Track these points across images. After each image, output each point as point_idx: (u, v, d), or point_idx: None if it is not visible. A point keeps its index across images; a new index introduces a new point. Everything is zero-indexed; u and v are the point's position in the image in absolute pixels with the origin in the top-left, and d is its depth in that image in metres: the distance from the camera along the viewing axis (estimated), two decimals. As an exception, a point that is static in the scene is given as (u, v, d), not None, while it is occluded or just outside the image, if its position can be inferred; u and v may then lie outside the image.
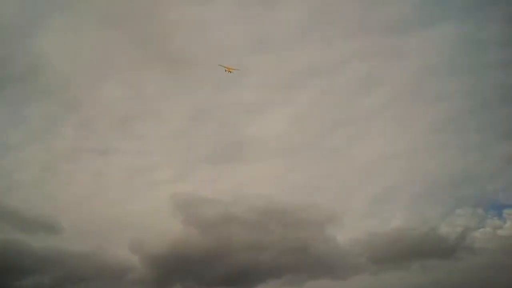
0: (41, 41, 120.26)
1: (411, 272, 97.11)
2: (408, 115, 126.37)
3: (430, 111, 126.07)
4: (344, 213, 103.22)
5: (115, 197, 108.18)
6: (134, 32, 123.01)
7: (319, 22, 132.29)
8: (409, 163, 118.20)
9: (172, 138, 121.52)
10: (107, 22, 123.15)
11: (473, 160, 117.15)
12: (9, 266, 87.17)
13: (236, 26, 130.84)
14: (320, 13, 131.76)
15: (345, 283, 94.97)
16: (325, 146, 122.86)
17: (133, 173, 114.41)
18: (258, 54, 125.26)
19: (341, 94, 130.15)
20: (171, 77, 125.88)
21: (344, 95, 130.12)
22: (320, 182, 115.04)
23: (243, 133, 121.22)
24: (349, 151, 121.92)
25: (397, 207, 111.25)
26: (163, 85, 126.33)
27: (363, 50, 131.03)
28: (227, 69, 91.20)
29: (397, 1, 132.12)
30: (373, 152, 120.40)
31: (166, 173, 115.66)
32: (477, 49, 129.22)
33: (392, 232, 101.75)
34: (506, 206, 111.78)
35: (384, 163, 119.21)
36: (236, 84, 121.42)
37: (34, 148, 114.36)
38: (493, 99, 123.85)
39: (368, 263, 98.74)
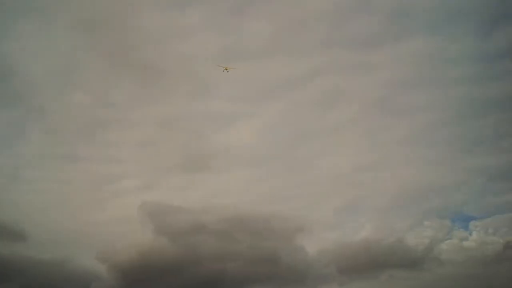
0: (9, 46, 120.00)
1: (379, 282, 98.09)
2: (376, 128, 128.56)
3: (397, 125, 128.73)
4: (313, 223, 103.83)
5: (82, 205, 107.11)
6: (104, 39, 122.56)
7: (289, 35, 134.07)
8: (376, 175, 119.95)
9: (141, 146, 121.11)
10: (77, 29, 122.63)
11: (440, 172, 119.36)
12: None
13: (207, 37, 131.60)
14: (290, 26, 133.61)
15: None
16: (295, 157, 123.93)
17: (101, 181, 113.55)
18: (228, 64, 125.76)
19: (310, 106, 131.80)
20: (140, 85, 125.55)
21: (313, 107, 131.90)
22: (289, 193, 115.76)
23: (213, 143, 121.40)
24: (318, 162, 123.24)
25: (365, 218, 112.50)
26: (133, 93, 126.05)
27: (332, 64, 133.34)
28: (225, 69, 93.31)
29: (366, 16, 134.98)
30: (342, 163, 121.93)
31: (135, 181, 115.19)
32: (444, 65, 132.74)
33: (360, 242, 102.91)
34: (472, 218, 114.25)
35: (352, 174, 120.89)
36: (207, 94, 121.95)
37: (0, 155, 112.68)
38: (459, 113, 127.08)
39: (336, 273, 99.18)
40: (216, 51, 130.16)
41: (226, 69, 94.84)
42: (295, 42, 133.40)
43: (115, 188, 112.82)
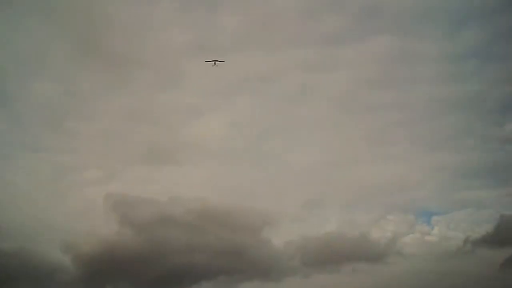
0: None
1: (342, 275, 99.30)
2: (343, 124, 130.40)
3: (363, 122, 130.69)
4: (279, 216, 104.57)
5: (46, 195, 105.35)
6: (71, 28, 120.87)
7: (261, 30, 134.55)
8: (342, 170, 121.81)
9: (107, 137, 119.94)
10: (43, 17, 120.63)
11: (404, 169, 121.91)
12: None
13: (177, 28, 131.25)
14: (261, 21, 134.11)
15: (278, 285, 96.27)
16: (262, 151, 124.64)
17: (66, 171, 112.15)
18: (198, 57, 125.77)
19: (279, 102, 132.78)
20: (107, 76, 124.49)
21: (282, 102, 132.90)
22: (256, 186, 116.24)
23: (181, 135, 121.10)
24: (285, 157, 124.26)
25: (330, 212, 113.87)
26: (99, 83, 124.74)
27: (302, 60, 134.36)
28: (213, 63, 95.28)
29: (335, 14, 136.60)
30: (309, 158, 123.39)
31: (100, 172, 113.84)
32: (410, 64, 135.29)
33: (325, 236, 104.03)
34: (434, 213, 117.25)
35: (319, 169, 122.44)
36: (175, 87, 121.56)
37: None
38: (423, 112, 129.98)
39: (301, 265, 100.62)
40: (187, 43, 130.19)
41: (215, 63, 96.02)
42: (266, 37, 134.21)
43: (80, 178, 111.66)
